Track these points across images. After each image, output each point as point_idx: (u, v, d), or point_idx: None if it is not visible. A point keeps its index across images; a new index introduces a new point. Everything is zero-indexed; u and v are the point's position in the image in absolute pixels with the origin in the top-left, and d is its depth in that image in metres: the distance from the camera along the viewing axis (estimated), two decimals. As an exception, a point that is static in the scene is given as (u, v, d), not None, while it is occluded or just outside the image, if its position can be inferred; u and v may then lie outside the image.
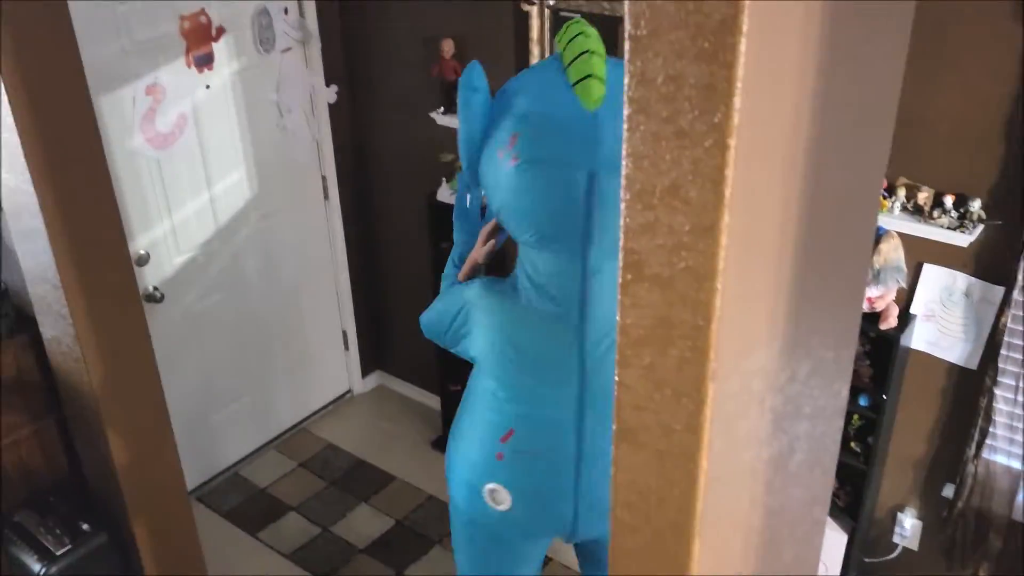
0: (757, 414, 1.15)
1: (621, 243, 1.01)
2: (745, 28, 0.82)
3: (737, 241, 0.94)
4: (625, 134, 0.95)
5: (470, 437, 2.26)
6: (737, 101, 0.86)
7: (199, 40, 3.36)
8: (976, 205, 2.50)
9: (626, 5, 0.89)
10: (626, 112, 0.94)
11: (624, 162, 0.96)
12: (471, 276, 2.27)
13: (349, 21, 3.77)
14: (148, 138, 3.29)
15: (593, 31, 1.96)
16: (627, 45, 0.90)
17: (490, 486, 2.22)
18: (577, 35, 1.95)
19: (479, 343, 2.22)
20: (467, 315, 2.23)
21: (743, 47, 0.83)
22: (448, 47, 3.38)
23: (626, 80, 0.92)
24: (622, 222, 0.99)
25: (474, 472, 2.25)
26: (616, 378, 1.09)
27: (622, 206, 0.99)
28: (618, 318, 1.05)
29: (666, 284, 0.99)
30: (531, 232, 2.00)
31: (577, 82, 1.89)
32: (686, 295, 0.98)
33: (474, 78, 1.97)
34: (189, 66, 3.35)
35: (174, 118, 3.36)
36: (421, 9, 3.50)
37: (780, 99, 0.94)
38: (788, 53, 0.92)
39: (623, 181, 0.97)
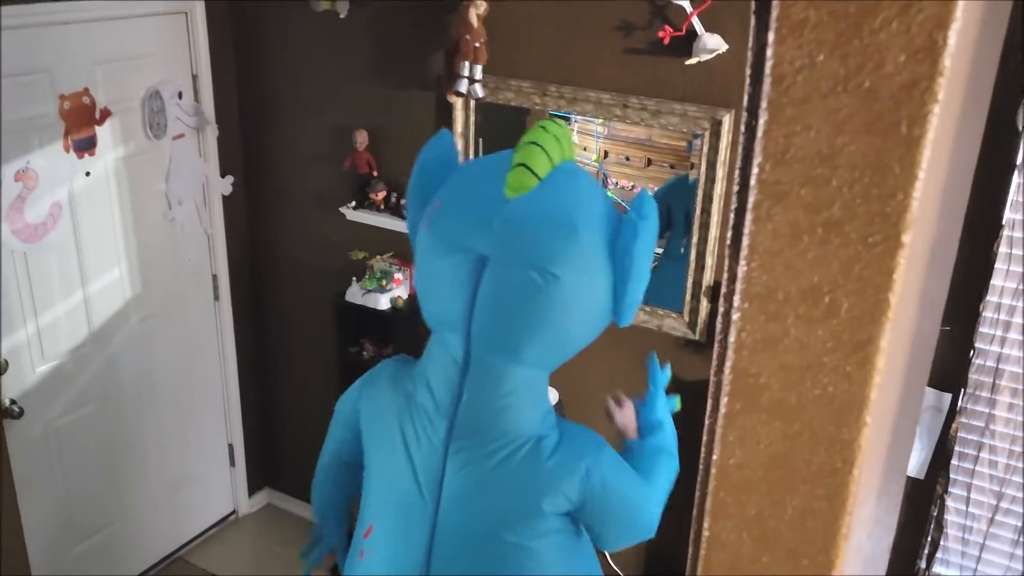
0: (856, 570, 0.94)
1: (730, 363, 0.80)
2: (941, 95, 0.65)
3: (888, 363, 0.75)
4: (750, 227, 0.75)
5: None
6: (918, 188, 0.68)
7: (81, 122, 3.02)
8: (924, 310, 2.45)
9: (768, 65, 0.70)
10: (754, 199, 0.74)
11: (744, 263, 0.76)
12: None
13: (250, 108, 3.51)
14: (15, 229, 2.88)
15: (559, 130, 1.91)
16: (762, 117, 0.72)
17: None
18: (538, 127, 1.90)
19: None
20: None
21: (934, 119, 0.65)
22: (362, 138, 3.17)
23: (757, 160, 0.73)
24: (733, 337, 0.79)
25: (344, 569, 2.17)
26: (705, 531, 0.86)
27: (735, 316, 0.78)
28: (716, 456, 0.83)
29: (791, 415, 0.79)
30: (424, 306, 1.95)
31: (512, 168, 1.85)
32: (819, 429, 0.78)
33: (433, 143, 1.97)
34: (68, 150, 2.99)
35: (47, 207, 2.97)
36: (332, 98, 3.29)
37: (933, 189, 0.77)
38: (947, 130, 0.76)
39: (739, 285, 0.77)
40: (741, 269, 0.77)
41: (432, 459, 1.95)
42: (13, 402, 2.96)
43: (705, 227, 2.73)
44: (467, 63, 2.78)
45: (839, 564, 0.81)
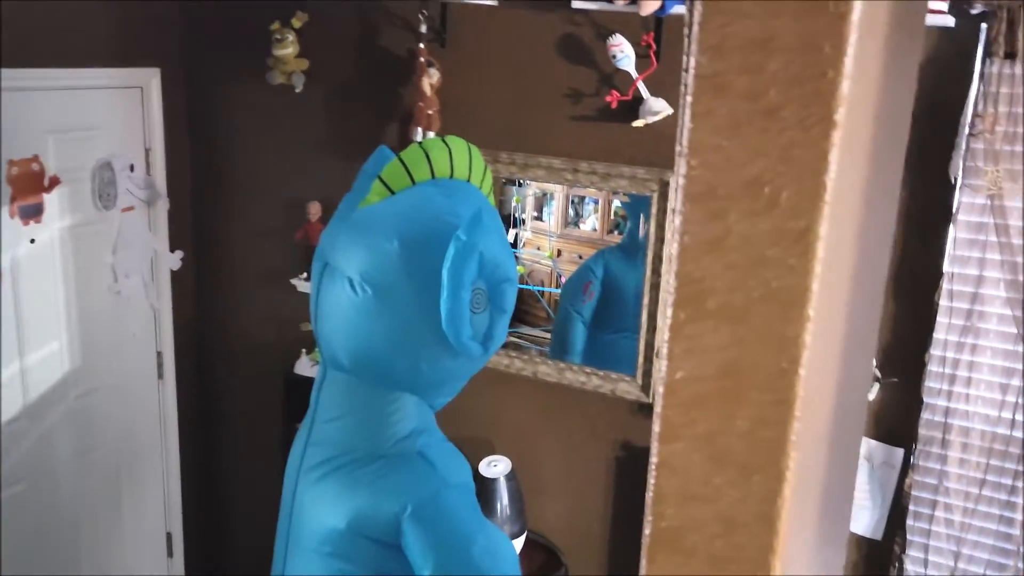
0: (819, 488, 0.92)
1: (674, 270, 0.79)
2: (864, -31, 0.68)
3: (828, 255, 0.75)
4: (688, 124, 0.76)
5: None
6: (847, 64, 0.70)
7: (28, 189, 2.99)
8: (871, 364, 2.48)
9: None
10: (690, 97, 0.76)
11: (683, 163, 0.77)
12: None
13: (202, 181, 3.52)
14: (-48, 293, 2.80)
15: (437, 152, 1.93)
16: (696, 13, 0.74)
17: None
18: (415, 144, 1.99)
19: None
20: None
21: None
22: (315, 210, 3.19)
23: (694, 56, 0.75)
24: (676, 244, 0.79)
25: None
26: (654, 460, 0.83)
27: (677, 221, 0.79)
28: (664, 373, 0.81)
29: (739, 317, 0.78)
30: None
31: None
32: (767, 330, 0.77)
33: (370, 162, 2.01)
34: (12, 216, 2.95)
35: (-12, 273, 2.90)
36: (286, 170, 3.32)
37: (870, 69, 0.79)
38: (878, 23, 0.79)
39: (680, 192, 0.78)
40: (680, 170, 0.78)
41: (291, 472, 2.00)
42: (-64, 476, 2.81)
43: (656, 288, 2.76)
44: (420, 130, 2.84)
45: (790, 477, 0.78)
